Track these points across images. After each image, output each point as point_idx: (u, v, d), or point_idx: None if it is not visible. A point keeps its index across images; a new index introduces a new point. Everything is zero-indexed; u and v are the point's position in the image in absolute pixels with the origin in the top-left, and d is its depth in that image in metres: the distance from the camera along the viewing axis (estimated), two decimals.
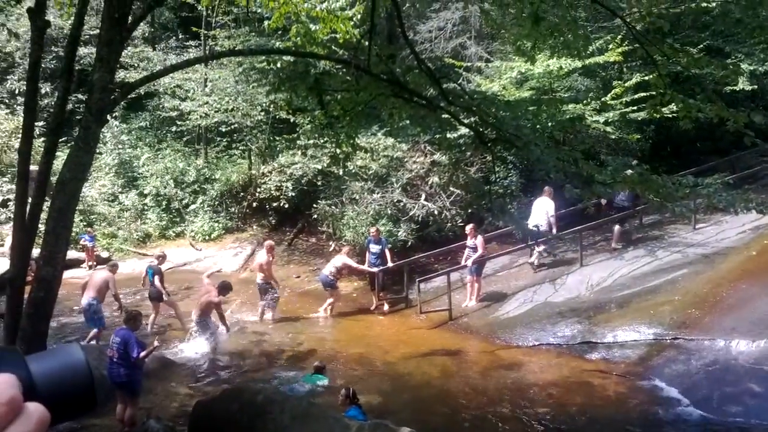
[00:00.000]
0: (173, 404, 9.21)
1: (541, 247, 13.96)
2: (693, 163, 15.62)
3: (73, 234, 9.27)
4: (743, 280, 11.03)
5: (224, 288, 11.42)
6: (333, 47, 9.50)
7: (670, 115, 11.07)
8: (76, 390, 0.73)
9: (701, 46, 14.54)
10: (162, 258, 12.86)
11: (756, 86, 15.04)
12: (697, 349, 9.62)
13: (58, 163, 8.57)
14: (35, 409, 0.66)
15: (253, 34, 18.91)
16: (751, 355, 9.12)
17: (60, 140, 9.15)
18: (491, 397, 9.30)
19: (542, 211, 13.70)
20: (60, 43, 20.47)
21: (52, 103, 14.25)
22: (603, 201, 13.88)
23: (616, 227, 14.20)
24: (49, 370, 0.72)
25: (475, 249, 13.07)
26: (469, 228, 13.33)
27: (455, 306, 13.00)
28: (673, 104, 8.96)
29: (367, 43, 7.74)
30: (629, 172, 8.57)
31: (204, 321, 11.20)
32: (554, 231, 13.75)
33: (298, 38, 8.99)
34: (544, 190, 13.80)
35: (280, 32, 14.40)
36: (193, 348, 11.18)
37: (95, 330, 11.32)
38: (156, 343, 8.66)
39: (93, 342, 11.13)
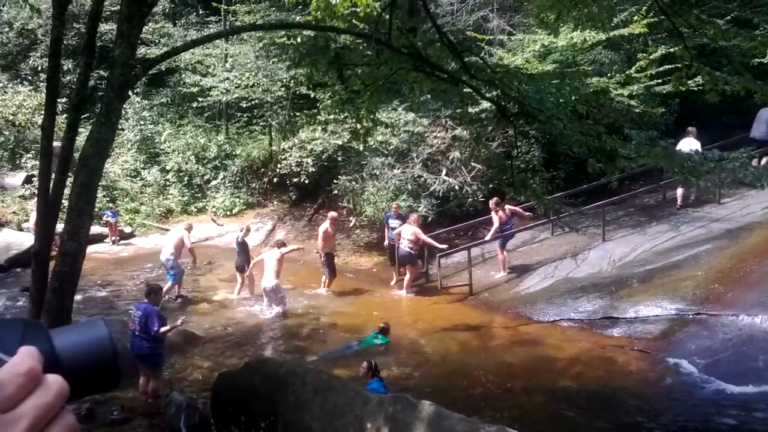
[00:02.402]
0: (196, 377, 9.34)
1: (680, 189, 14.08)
2: (719, 137, 15.35)
3: (96, 209, 9.36)
4: None
5: (282, 243, 12.48)
6: (353, 21, 9.40)
7: (695, 89, 10.88)
8: (100, 366, 0.73)
9: (728, 17, 14.23)
10: (247, 230, 13.47)
11: None
12: (720, 324, 9.54)
13: (80, 139, 8.61)
14: (54, 380, 0.66)
15: (273, 8, 18.80)
16: None
17: (82, 116, 9.20)
18: (511, 372, 9.32)
19: (687, 151, 13.88)
20: (81, 19, 20.50)
21: (74, 79, 14.31)
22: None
23: (754, 161, 14.12)
24: (73, 345, 0.72)
25: (503, 224, 13.13)
26: (491, 203, 13.31)
27: (476, 281, 12.99)
28: (699, 77, 8.82)
29: (387, 16, 7.66)
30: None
31: (278, 286, 11.88)
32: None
33: (318, 12, 8.90)
34: (688, 131, 14.13)
35: (300, 6, 14.32)
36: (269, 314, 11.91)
37: (170, 283, 12.45)
38: (179, 322, 8.77)
39: (168, 296, 12.12)
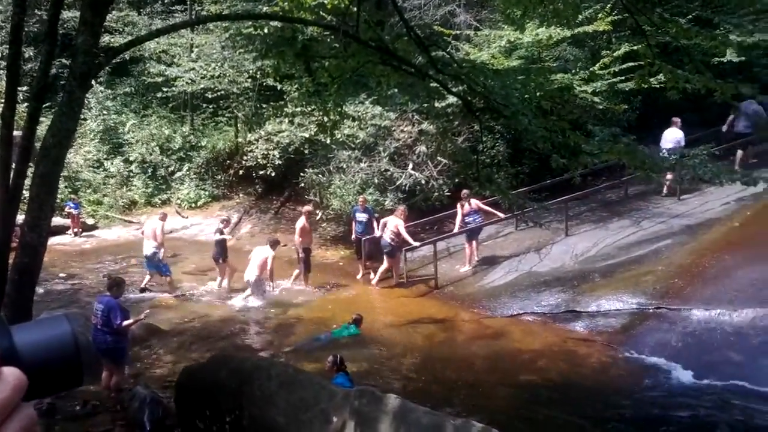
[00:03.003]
0: (160, 371, 9.26)
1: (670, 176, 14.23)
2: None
3: (58, 201, 9.21)
4: (726, 251, 11.16)
5: (275, 242, 12.46)
6: (321, 13, 9.37)
7: (657, 86, 11.06)
8: (62, 363, 0.71)
9: (690, 16, 14.46)
10: (227, 222, 13.70)
11: (744, 58, 14.99)
12: (679, 318, 9.75)
13: (42, 129, 8.46)
14: (11, 373, 0.64)
15: None
16: (731, 324, 9.26)
17: (44, 106, 9.02)
18: (476, 365, 9.42)
19: (671, 140, 14.48)
20: (43, 5, 20.08)
21: (36, 67, 14.02)
22: (724, 128, 15.32)
23: (739, 152, 14.83)
24: (34, 341, 0.70)
25: (466, 215, 13.25)
26: (462, 194, 13.48)
27: (442, 274, 13.08)
28: (661, 75, 8.97)
29: (355, 9, 7.65)
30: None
31: (261, 279, 12.08)
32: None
33: (286, 3, 8.86)
34: (673, 121, 14.59)
35: None
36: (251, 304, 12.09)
37: (167, 277, 12.69)
38: (142, 315, 8.68)
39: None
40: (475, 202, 13.31)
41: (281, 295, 12.65)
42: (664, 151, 13.90)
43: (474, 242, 13.43)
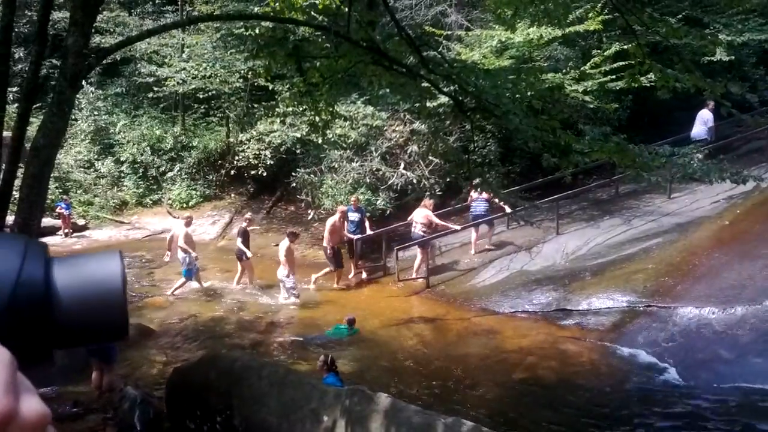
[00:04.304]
0: (151, 371, 9.24)
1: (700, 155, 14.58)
2: (670, 133, 15.71)
3: (48, 201, 9.17)
4: (716, 249, 11.22)
5: (292, 234, 12.56)
6: (312, 13, 9.37)
7: (647, 85, 11.10)
8: (106, 310, 0.62)
9: (680, 16, 14.54)
10: (250, 220, 13.72)
11: (733, 57, 15.10)
12: (669, 316, 9.80)
13: (32, 130, 8.43)
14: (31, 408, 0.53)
15: None
16: (721, 321, 9.31)
17: (34, 106, 8.99)
18: (467, 364, 9.44)
19: (700, 121, 15.08)
20: (33, 6, 19.98)
21: (26, 68, 13.98)
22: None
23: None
24: (77, 278, 0.62)
25: (472, 202, 13.91)
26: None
27: (433, 273, 13.11)
28: (651, 74, 8.99)
29: (346, 9, 7.65)
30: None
31: (287, 276, 12.08)
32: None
33: (277, 3, 8.85)
34: (706, 103, 14.93)
35: None
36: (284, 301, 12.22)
37: (182, 279, 12.65)
38: None
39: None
40: (424, 213, 13.39)
41: (277, 293, 12.64)
42: (694, 134, 14.90)
43: (480, 230, 13.67)
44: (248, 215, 14.36)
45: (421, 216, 13.16)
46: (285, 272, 12.06)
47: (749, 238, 11.40)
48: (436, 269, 13.42)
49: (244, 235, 13.04)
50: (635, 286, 10.74)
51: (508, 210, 13.66)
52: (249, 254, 12.92)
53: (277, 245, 13.48)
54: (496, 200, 13.00)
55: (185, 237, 12.47)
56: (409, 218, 13.63)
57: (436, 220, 13.31)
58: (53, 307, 0.59)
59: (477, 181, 13.20)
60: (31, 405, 0.52)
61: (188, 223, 13.06)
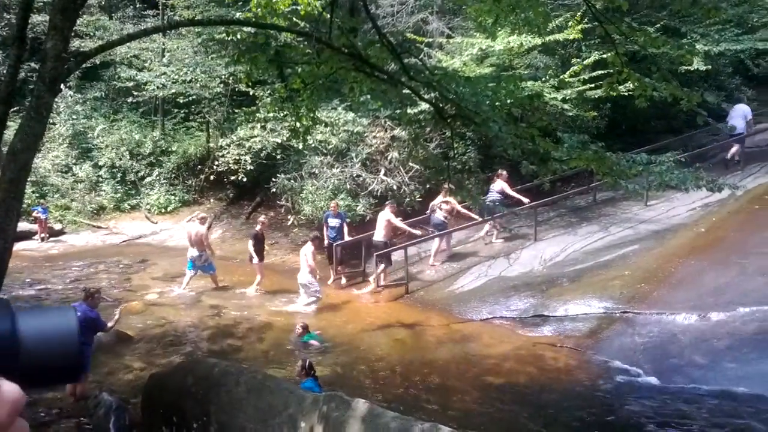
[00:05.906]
0: (127, 377, 9.15)
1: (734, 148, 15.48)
2: (647, 141, 15.90)
3: (25, 206, 9.07)
4: (692, 256, 11.35)
5: (315, 238, 12.70)
6: (294, 19, 9.37)
7: (626, 94, 11.24)
8: (63, 356, 0.68)
9: (658, 25, 14.76)
10: (263, 223, 13.83)
11: (710, 66, 15.34)
12: (646, 322, 9.89)
13: (9, 133, 8.35)
14: (10, 390, 0.61)
15: (213, 3, 18.55)
16: (696, 328, 9.41)
17: (11, 110, 8.90)
18: (445, 370, 9.45)
19: (740, 116, 15.40)
20: (12, 9, 19.83)
21: (4, 71, 13.84)
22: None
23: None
24: (39, 329, 0.67)
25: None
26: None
27: (412, 279, 13.13)
28: (630, 83, 9.09)
29: (328, 15, 7.67)
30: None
31: (309, 281, 12.23)
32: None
33: (259, 9, 8.84)
34: (740, 97, 15.76)
35: (240, 2, 14.19)
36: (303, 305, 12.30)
37: (212, 274, 13.20)
38: (116, 316, 8.59)
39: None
40: (501, 185, 13.75)
41: (252, 301, 12.59)
42: (728, 123, 15.36)
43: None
44: (262, 218, 14.49)
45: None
46: (309, 277, 12.15)
47: (724, 245, 11.55)
48: (414, 275, 13.44)
49: (255, 239, 13.20)
50: (612, 292, 10.83)
51: (525, 201, 13.89)
52: (256, 259, 13.09)
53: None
54: (512, 194, 13.62)
55: (207, 236, 13.01)
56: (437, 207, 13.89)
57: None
58: (20, 356, 0.65)
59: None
60: (11, 387, 0.61)
61: (203, 221, 13.34)
